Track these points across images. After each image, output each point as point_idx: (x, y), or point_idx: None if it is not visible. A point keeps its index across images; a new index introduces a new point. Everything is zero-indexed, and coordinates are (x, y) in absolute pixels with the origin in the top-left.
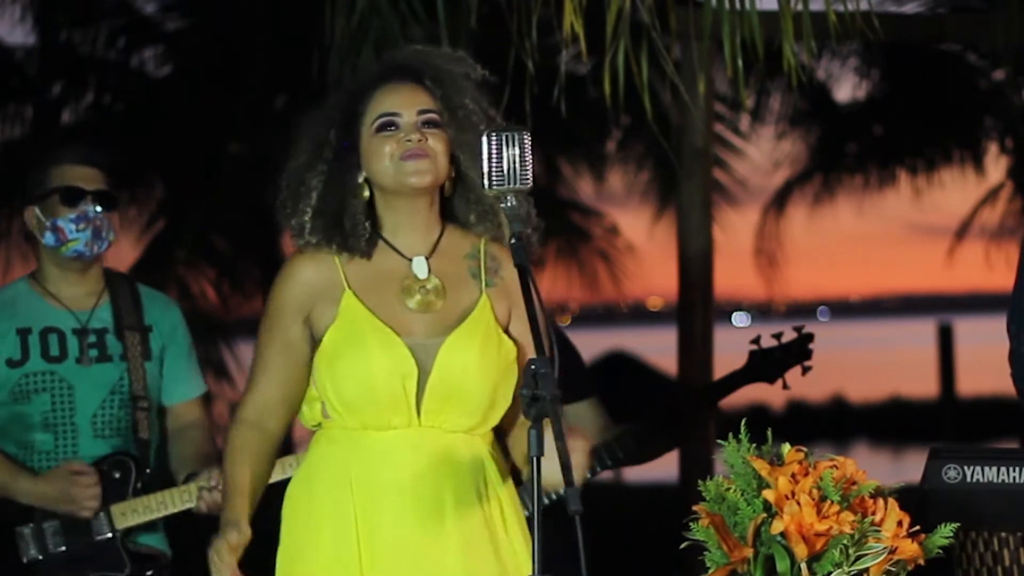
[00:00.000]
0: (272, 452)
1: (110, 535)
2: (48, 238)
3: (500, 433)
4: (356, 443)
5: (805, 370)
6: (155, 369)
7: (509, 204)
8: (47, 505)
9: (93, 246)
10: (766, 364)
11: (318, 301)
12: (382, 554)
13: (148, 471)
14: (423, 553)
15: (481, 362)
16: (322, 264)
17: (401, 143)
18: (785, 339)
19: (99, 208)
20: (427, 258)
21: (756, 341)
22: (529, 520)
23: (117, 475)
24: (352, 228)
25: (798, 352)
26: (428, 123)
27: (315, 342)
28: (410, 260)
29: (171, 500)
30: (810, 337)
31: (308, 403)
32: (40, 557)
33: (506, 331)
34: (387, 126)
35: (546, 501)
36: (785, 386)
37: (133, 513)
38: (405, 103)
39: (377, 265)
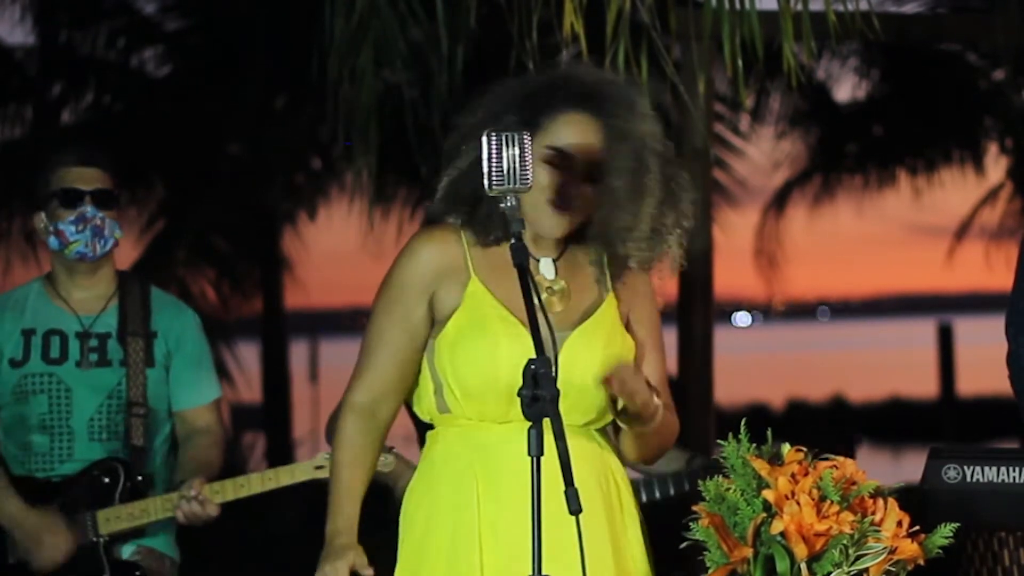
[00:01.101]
0: (381, 443)
1: (94, 540)
2: (52, 242)
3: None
4: (476, 438)
5: None
6: (159, 375)
7: (509, 204)
8: (17, 534)
9: (95, 246)
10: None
11: (443, 282)
12: (504, 551)
13: (140, 477)
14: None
15: (604, 359)
16: (449, 245)
17: (558, 189)
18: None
19: (98, 208)
20: (555, 260)
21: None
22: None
23: (106, 480)
24: (487, 216)
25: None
26: (594, 174)
27: (434, 325)
28: (538, 259)
29: (153, 508)
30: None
31: (422, 390)
32: (26, 559)
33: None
34: (555, 163)
35: (658, 495)
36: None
37: (117, 519)
38: (578, 145)
39: (504, 255)
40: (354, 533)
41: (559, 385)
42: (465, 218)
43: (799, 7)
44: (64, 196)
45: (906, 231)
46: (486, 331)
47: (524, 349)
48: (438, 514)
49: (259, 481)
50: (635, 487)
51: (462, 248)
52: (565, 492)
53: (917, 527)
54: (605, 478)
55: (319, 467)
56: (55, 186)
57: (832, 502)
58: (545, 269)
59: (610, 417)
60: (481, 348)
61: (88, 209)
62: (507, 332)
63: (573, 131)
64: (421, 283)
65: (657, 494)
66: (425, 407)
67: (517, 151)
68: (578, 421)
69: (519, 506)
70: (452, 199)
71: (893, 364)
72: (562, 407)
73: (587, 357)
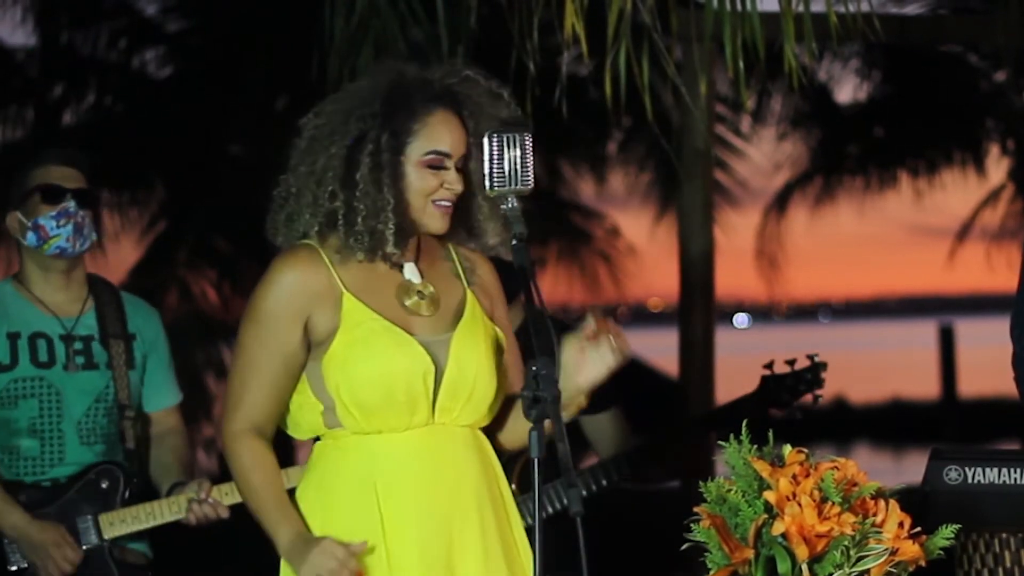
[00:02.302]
0: (273, 458)
1: (97, 543)
2: (30, 238)
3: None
4: (374, 449)
5: (816, 399)
6: (138, 377)
7: (510, 205)
8: (22, 546)
9: (75, 242)
10: (778, 391)
11: (317, 305)
12: (409, 556)
13: (135, 481)
14: (448, 550)
15: (487, 356)
16: (314, 266)
17: (443, 188)
18: (798, 366)
19: (80, 206)
20: (416, 263)
21: (769, 366)
22: (529, 529)
23: (105, 484)
24: (384, 231)
25: (810, 380)
26: (463, 167)
27: (311, 349)
28: (402, 265)
29: (159, 511)
30: (823, 366)
31: (304, 412)
32: (25, 565)
33: None
34: (437, 165)
35: (549, 510)
36: (796, 416)
37: (121, 523)
38: (455, 145)
39: (369, 269)
40: (308, 532)
41: (449, 387)
42: (327, 236)
43: (800, 8)
44: (46, 192)
45: (907, 232)
46: (375, 346)
47: (414, 356)
48: (338, 527)
49: None
50: (590, 473)
51: (326, 267)
52: (567, 493)
53: (918, 528)
54: (496, 477)
55: None
56: (35, 182)
57: (833, 503)
58: (410, 274)
59: (493, 416)
60: (374, 364)
61: (71, 205)
62: (395, 343)
63: (445, 130)
64: (293, 310)
65: (615, 476)
66: (307, 427)
67: (518, 152)
68: (468, 421)
69: (422, 513)
70: (307, 218)
71: (894, 365)
72: (455, 408)
73: (473, 356)
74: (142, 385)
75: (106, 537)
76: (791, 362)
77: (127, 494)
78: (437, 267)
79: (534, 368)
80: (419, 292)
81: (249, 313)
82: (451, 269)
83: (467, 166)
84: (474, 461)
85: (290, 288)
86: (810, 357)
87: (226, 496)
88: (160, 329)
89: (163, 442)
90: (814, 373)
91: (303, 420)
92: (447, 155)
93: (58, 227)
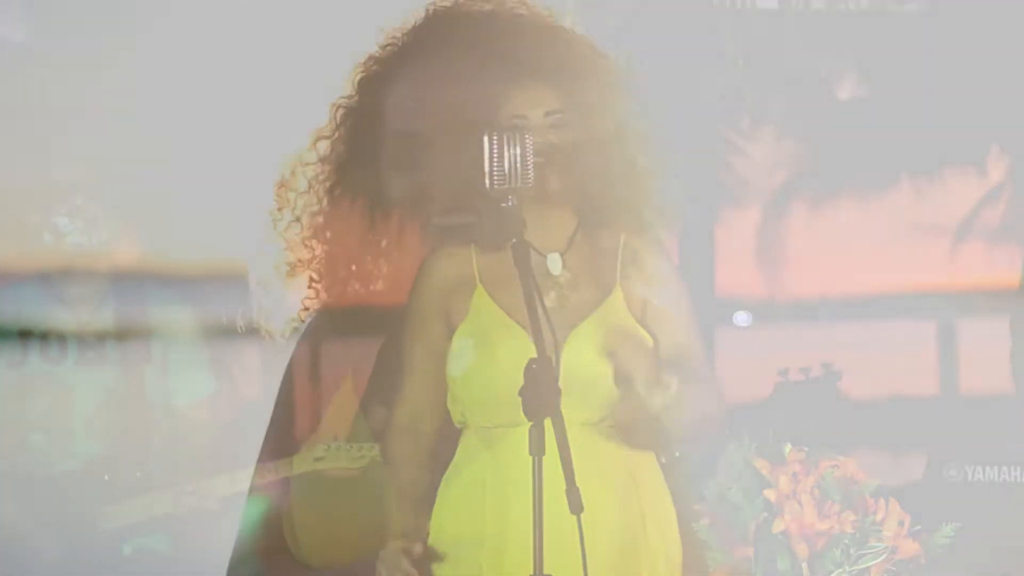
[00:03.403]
0: (430, 453)
1: (96, 535)
2: (46, 239)
3: None
4: (490, 441)
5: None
6: (157, 371)
7: (510, 203)
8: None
9: (91, 235)
10: (791, 399)
11: (453, 298)
12: (510, 555)
13: (139, 474)
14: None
15: (607, 354)
16: (457, 259)
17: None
18: (812, 375)
19: (90, 199)
20: (562, 253)
21: (783, 373)
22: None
23: (107, 477)
24: (490, 224)
25: (824, 390)
26: (555, 124)
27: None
28: (544, 256)
29: (154, 504)
30: (838, 376)
31: (452, 401)
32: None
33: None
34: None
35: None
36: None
37: (117, 516)
38: (531, 103)
39: (511, 260)
40: (415, 531)
41: (563, 383)
42: (476, 238)
43: (800, 5)
44: (56, 191)
45: (907, 230)
46: (485, 339)
47: (522, 352)
48: (453, 516)
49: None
50: None
51: (471, 260)
52: (566, 492)
53: (918, 526)
54: (618, 479)
55: (318, 459)
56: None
57: (833, 501)
58: (552, 265)
59: None
60: (483, 358)
61: (77, 201)
62: (504, 337)
63: (522, 97)
64: (435, 304)
65: None
66: (453, 413)
67: (518, 151)
68: (587, 418)
69: (524, 510)
70: (455, 228)
71: (894, 363)
72: (568, 404)
73: (590, 352)
74: (165, 378)
75: (103, 529)
76: (805, 370)
77: (127, 486)
78: (590, 259)
79: (533, 366)
80: (556, 284)
81: (406, 308)
82: (607, 263)
83: (573, 128)
84: (594, 460)
85: (432, 282)
86: (825, 366)
87: (214, 488)
88: (185, 321)
89: (189, 438)
90: (828, 383)
91: (452, 409)
92: (522, 116)
93: (71, 224)
